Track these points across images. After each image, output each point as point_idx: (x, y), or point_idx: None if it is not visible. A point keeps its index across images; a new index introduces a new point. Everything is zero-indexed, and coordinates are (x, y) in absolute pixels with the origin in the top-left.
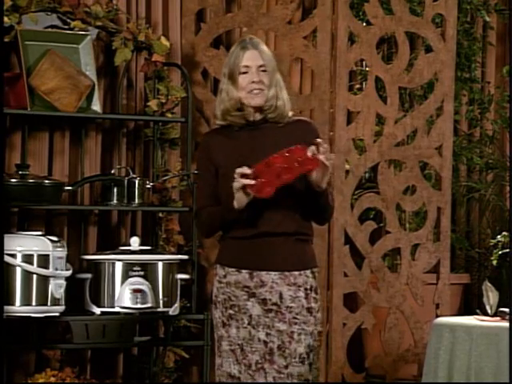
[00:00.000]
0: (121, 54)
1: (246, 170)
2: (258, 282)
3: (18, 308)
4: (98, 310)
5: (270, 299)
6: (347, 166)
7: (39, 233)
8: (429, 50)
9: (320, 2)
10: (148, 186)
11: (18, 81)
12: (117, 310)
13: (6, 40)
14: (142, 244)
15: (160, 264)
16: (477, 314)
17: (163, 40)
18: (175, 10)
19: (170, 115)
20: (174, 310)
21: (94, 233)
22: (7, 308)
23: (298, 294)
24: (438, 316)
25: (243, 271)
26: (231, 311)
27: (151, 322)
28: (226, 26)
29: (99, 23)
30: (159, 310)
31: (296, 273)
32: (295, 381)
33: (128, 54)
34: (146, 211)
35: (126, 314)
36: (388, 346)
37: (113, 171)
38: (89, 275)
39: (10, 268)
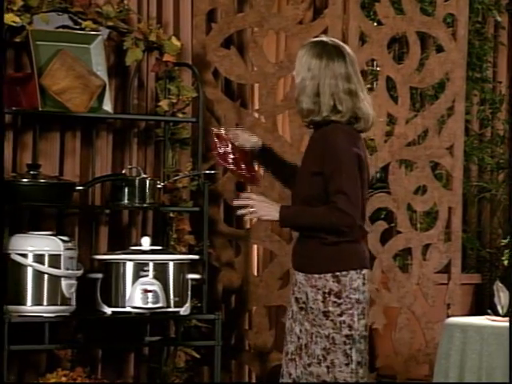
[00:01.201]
0: (132, 54)
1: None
2: (294, 281)
3: (29, 308)
4: (108, 310)
5: (301, 298)
6: None
7: (50, 233)
8: (440, 49)
9: (331, 2)
10: (159, 186)
11: (30, 81)
12: (128, 309)
13: (17, 40)
14: (152, 244)
15: (171, 264)
16: (488, 314)
17: (174, 40)
18: (186, 9)
19: (180, 115)
20: (184, 310)
21: (105, 233)
22: (18, 308)
23: (317, 297)
24: (449, 316)
25: (292, 269)
26: (289, 304)
27: (162, 321)
28: (237, 25)
29: (110, 23)
30: (170, 309)
31: (316, 275)
32: (314, 380)
33: (139, 54)
34: (156, 211)
35: (136, 313)
36: (399, 346)
37: (124, 171)
38: (100, 275)
39: (22, 268)
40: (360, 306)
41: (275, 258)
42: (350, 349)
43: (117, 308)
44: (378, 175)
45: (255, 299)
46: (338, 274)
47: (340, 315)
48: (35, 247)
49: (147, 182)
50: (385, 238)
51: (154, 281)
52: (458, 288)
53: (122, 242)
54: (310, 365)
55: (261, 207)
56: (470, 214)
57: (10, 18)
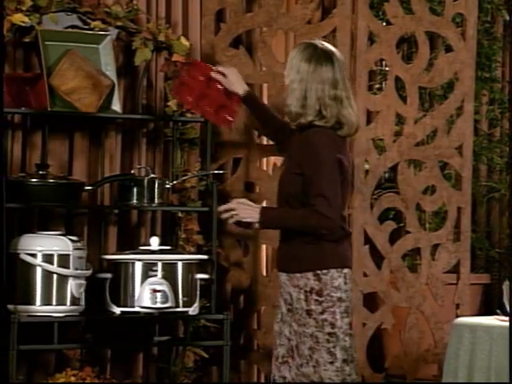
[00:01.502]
0: (141, 54)
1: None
2: (280, 282)
3: (38, 308)
4: (117, 310)
5: (287, 299)
6: (367, 166)
7: (59, 233)
8: (449, 49)
9: (340, 2)
10: (167, 186)
11: (39, 81)
12: (136, 309)
13: (26, 40)
14: (161, 244)
15: (180, 264)
16: (497, 314)
17: (183, 40)
18: (195, 9)
19: (189, 115)
20: (193, 310)
21: (113, 233)
22: (27, 308)
23: (300, 297)
24: (458, 316)
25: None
26: (278, 307)
27: (171, 321)
28: (246, 25)
29: (119, 23)
30: (179, 309)
31: (298, 275)
32: (307, 381)
33: (148, 54)
34: (165, 211)
35: (145, 313)
36: (408, 346)
37: (132, 171)
38: (109, 275)
39: (31, 268)
40: (343, 305)
41: None
42: (334, 347)
43: (126, 308)
44: (387, 175)
45: (264, 299)
46: (318, 272)
47: (322, 313)
48: (44, 247)
49: (156, 181)
50: (393, 238)
51: (163, 281)
52: (467, 288)
53: (130, 241)
54: (301, 365)
55: (242, 209)
56: (479, 213)
57: (19, 18)
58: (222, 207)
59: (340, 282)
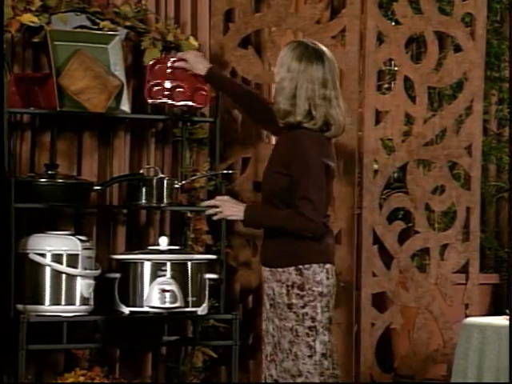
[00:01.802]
0: (150, 54)
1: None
2: (264, 278)
3: (47, 307)
4: (126, 310)
5: (269, 294)
6: (376, 166)
7: (68, 232)
8: (458, 49)
9: (349, 2)
10: (176, 186)
11: (48, 81)
12: (145, 309)
13: (35, 40)
14: (170, 244)
15: (188, 264)
16: (506, 314)
17: (192, 40)
18: (204, 9)
19: (198, 115)
20: (202, 310)
21: (122, 232)
22: (36, 307)
23: (282, 291)
24: (467, 316)
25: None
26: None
27: (180, 321)
28: (255, 25)
29: (128, 23)
30: (188, 309)
31: (280, 269)
32: (287, 376)
33: (157, 54)
34: (174, 211)
35: (154, 313)
36: (417, 346)
37: (141, 171)
38: (117, 275)
39: (40, 267)
40: (324, 299)
41: None
42: (314, 340)
43: (134, 308)
44: (396, 175)
45: None
46: (300, 267)
47: (303, 307)
48: (53, 247)
49: (165, 181)
50: (402, 237)
51: (172, 281)
52: (476, 288)
53: (139, 241)
54: (282, 361)
55: (226, 207)
56: (488, 213)
57: (28, 18)
58: (206, 202)
59: (322, 276)
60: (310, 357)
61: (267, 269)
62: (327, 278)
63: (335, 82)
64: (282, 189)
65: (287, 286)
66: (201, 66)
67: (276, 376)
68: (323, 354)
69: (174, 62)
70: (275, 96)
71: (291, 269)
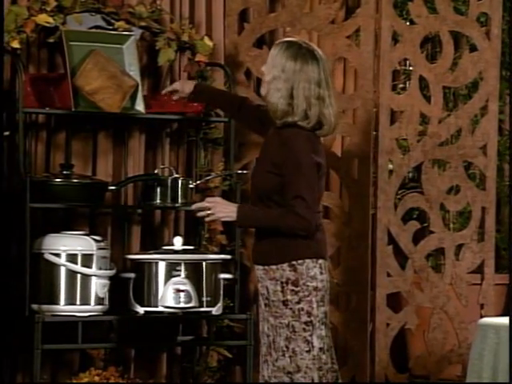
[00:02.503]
0: (164, 54)
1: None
2: (257, 277)
3: (62, 307)
4: (141, 310)
5: (264, 293)
6: (390, 166)
7: (83, 232)
8: (473, 49)
9: (363, 2)
10: (191, 186)
11: (63, 81)
12: (160, 309)
13: (50, 40)
14: (184, 244)
15: (203, 264)
16: None
17: (206, 40)
18: (218, 9)
19: (213, 115)
20: (217, 310)
21: (137, 232)
22: (51, 307)
23: (276, 288)
24: (482, 316)
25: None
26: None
27: (194, 321)
28: (269, 25)
29: (143, 23)
30: (202, 309)
31: (274, 267)
32: (282, 374)
33: (171, 54)
34: (188, 211)
35: (169, 313)
36: (432, 346)
37: (156, 171)
38: (132, 275)
39: (55, 267)
40: (319, 294)
41: None
42: (311, 335)
43: (149, 308)
44: (411, 175)
45: None
46: (294, 262)
47: (298, 302)
48: (68, 247)
49: (179, 181)
50: (417, 237)
51: (186, 280)
52: (492, 288)
53: (154, 241)
54: (277, 360)
55: (219, 208)
56: (503, 213)
57: (43, 19)
58: (196, 205)
59: (316, 271)
60: (308, 352)
61: (260, 267)
62: (321, 273)
63: (328, 82)
64: (273, 188)
65: (281, 282)
66: (188, 85)
67: (267, 376)
68: (321, 349)
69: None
70: (268, 96)
71: (285, 265)
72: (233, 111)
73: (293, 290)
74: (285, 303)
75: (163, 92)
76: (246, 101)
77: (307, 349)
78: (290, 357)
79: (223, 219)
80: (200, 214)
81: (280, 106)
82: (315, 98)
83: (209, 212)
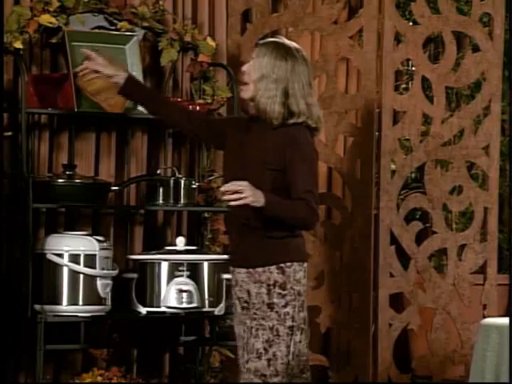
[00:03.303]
0: (167, 54)
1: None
2: (234, 282)
3: (64, 308)
4: (143, 310)
5: (242, 297)
6: (393, 166)
7: (86, 233)
8: (476, 49)
9: (366, 2)
10: (194, 186)
11: (65, 82)
12: (162, 309)
13: (53, 41)
14: (187, 244)
15: (206, 264)
16: None
17: (209, 40)
18: (221, 10)
19: (215, 116)
20: (219, 310)
21: (139, 233)
22: (54, 307)
23: (261, 291)
24: (484, 317)
25: (230, 269)
26: (233, 309)
27: (197, 321)
28: (272, 26)
29: (146, 24)
30: (205, 309)
31: (260, 269)
32: (252, 376)
33: (174, 54)
34: (191, 211)
35: (171, 313)
36: (434, 346)
37: (159, 171)
38: (135, 275)
39: (57, 268)
40: (300, 299)
41: (310, 257)
42: (291, 340)
43: (152, 308)
44: (414, 175)
45: None
46: (282, 265)
47: (284, 306)
48: (71, 247)
49: (182, 182)
50: (420, 238)
51: (189, 281)
52: (494, 288)
53: (156, 242)
54: (247, 361)
55: (248, 192)
56: (505, 214)
57: (46, 19)
58: (225, 187)
59: (301, 275)
60: (287, 356)
61: (243, 270)
62: (304, 277)
63: (312, 83)
64: (275, 184)
65: (268, 285)
66: (112, 69)
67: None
68: (293, 354)
69: None
70: (258, 96)
71: (272, 267)
72: (182, 121)
73: (280, 294)
74: (270, 306)
75: (77, 69)
76: (194, 112)
77: (286, 354)
78: (269, 360)
79: (253, 204)
80: (228, 197)
81: (275, 106)
82: (310, 97)
83: (240, 196)
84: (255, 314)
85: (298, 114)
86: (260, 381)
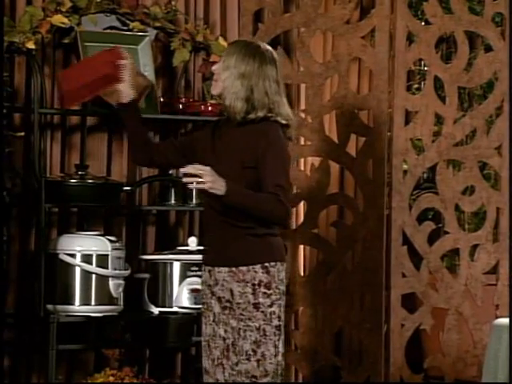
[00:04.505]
0: (179, 54)
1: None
2: (213, 280)
3: (77, 308)
4: (156, 310)
5: (224, 297)
6: (405, 167)
7: (98, 233)
8: (488, 49)
9: (378, 2)
10: None
11: None
12: (175, 309)
13: (65, 41)
14: (199, 244)
15: None
16: None
17: (221, 40)
18: (233, 10)
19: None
20: None
21: (152, 233)
22: (66, 307)
23: (245, 290)
24: (497, 317)
25: (206, 268)
26: (203, 309)
27: None
28: (284, 26)
29: (158, 24)
30: None
31: (244, 268)
32: (244, 378)
33: (186, 54)
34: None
35: (183, 313)
36: (447, 347)
37: (171, 172)
38: (147, 275)
39: (70, 268)
40: (284, 298)
41: (321, 258)
42: (278, 340)
43: (164, 308)
44: (426, 175)
45: (302, 300)
46: (267, 264)
47: (270, 306)
48: (83, 247)
49: None
50: (432, 238)
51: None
52: (507, 289)
53: (169, 242)
54: (237, 363)
55: (209, 179)
56: None
57: (58, 20)
58: (185, 169)
59: (283, 275)
60: (275, 356)
61: (225, 269)
62: (284, 277)
63: (281, 81)
64: (250, 183)
65: (253, 284)
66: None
67: (223, 380)
68: (282, 354)
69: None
70: (225, 93)
71: (257, 267)
72: (149, 153)
73: (265, 293)
74: (256, 306)
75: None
76: (158, 145)
77: (275, 353)
78: (258, 361)
79: (211, 190)
80: (187, 179)
81: (237, 101)
82: (276, 95)
83: (201, 180)
84: (241, 314)
85: (260, 108)
86: (250, 382)
